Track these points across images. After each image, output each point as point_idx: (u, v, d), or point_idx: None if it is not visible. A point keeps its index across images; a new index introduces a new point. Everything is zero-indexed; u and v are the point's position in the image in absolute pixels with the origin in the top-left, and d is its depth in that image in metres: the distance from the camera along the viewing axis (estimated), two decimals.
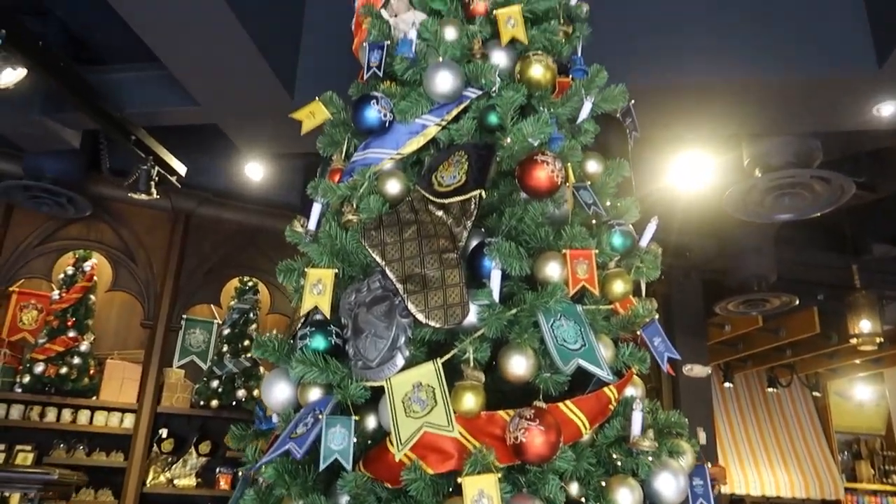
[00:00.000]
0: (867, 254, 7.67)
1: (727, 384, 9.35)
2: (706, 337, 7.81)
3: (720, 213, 5.55)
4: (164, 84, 4.40)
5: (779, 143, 4.62)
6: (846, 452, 10.00)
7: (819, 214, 5.13)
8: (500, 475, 1.40)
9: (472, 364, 1.54)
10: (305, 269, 1.80)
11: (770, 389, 9.63)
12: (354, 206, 1.88)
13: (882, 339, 6.85)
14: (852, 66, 3.63)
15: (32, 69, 3.73)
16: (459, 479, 1.41)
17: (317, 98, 2.25)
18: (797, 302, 6.70)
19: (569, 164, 1.91)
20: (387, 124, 1.97)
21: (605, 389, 1.65)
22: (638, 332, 1.84)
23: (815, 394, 10.07)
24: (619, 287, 1.79)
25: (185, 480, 5.51)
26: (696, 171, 5.23)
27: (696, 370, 7.15)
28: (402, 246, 1.70)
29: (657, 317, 1.85)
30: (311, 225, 1.96)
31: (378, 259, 1.69)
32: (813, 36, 3.66)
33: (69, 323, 5.48)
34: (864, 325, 6.75)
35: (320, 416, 1.52)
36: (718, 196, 5.20)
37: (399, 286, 1.63)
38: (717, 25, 3.75)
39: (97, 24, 4.65)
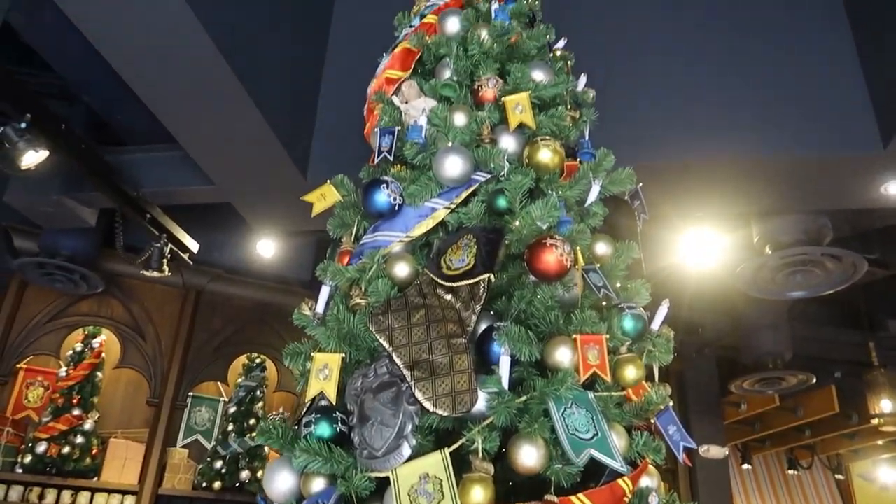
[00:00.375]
0: (883, 330, 7.55)
1: (746, 466, 9.02)
2: (722, 416, 7.60)
3: (732, 289, 5.51)
4: (181, 164, 4.51)
5: (788, 221, 4.63)
6: None
7: (832, 292, 5.08)
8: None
9: (480, 454, 1.49)
10: (312, 354, 1.77)
11: (791, 471, 9.27)
12: (363, 289, 1.87)
13: None
14: (858, 146, 3.67)
15: (54, 151, 3.83)
16: None
17: (328, 181, 2.29)
18: (814, 380, 6.55)
19: (578, 248, 1.90)
20: (396, 208, 1.99)
21: (620, 481, 1.59)
22: (652, 420, 1.79)
23: (838, 476, 9.68)
24: (631, 373, 1.76)
25: None
26: (707, 248, 5.23)
27: (713, 451, 6.92)
28: (409, 331, 1.68)
29: (671, 403, 1.80)
30: (319, 308, 1.95)
31: (385, 344, 1.67)
32: (818, 116, 3.73)
33: (74, 401, 5.42)
34: (885, 404, 6.55)
35: None
36: (729, 273, 5.18)
37: (406, 372, 1.60)
38: (724, 105, 3.83)
39: (120, 106, 4.81)
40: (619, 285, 2.09)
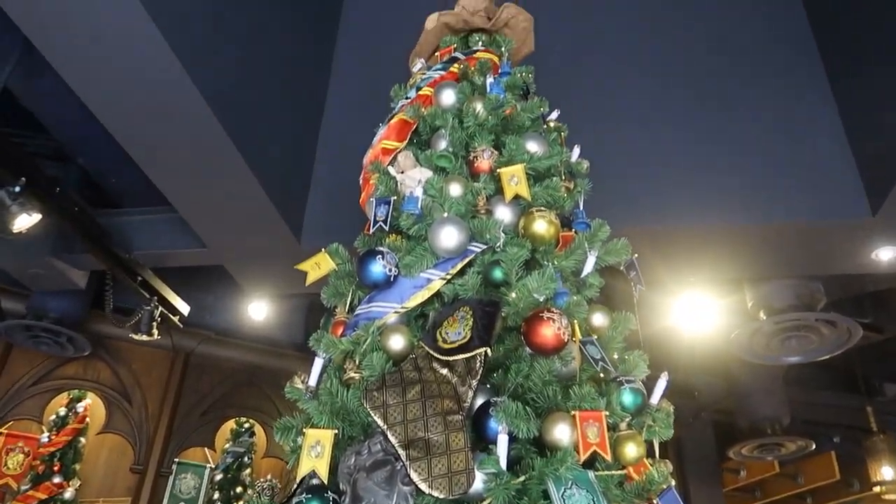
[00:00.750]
0: (880, 395, 7.49)
1: None
2: (721, 483, 7.45)
3: (726, 353, 5.48)
4: (173, 226, 4.51)
5: (781, 286, 4.64)
6: None
7: (827, 358, 5.06)
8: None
9: None
10: (304, 429, 1.72)
11: None
12: (357, 362, 1.83)
13: None
14: (847, 213, 3.71)
15: (47, 214, 3.83)
16: None
17: (322, 249, 2.27)
18: (814, 446, 6.44)
19: (575, 320, 1.88)
20: (392, 279, 1.97)
21: None
22: (654, 501, 1.73)
23: None
24: (632, 451, 1.71)
25: None
26: (700, 312, 5.22)
27: None
28: (405, 407, 1.64)
29: (673, 483, 1.75)
30: (312, 381, 1.90)
31: (380, 422, 1.62)
32: (807, 184, 3.78)
33: (55, 468, 5.26)
34: (886, 471, 6.44)
35: None
36: (723, 337, 5.16)
37: (401, 451, 1.55)
38: (714, 173, 3.89)
39: (114, 168, 4.84)
40: (616, 357, 2.06)
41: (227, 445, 5.96)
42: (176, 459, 5.88)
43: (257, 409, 6.22)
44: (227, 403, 6.24)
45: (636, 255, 2.22)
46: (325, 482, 1.66)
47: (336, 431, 1.72)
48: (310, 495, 1.62)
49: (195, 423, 6.07)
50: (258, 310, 5.68)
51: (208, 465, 5.99)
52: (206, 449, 6.09)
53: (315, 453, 1.68)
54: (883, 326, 5.71)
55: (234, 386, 6.34)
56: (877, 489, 6.53)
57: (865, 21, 3.74)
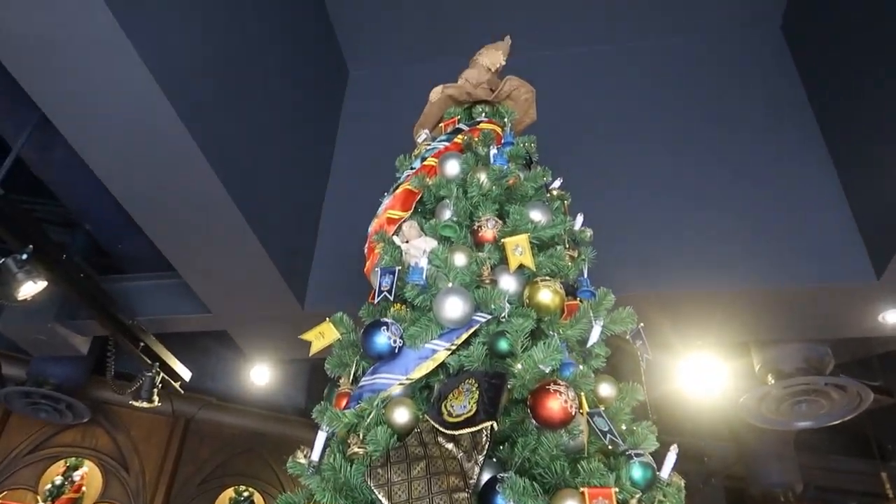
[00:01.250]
0: (894, 460, 7.31)
1: None
2: None
3: (735, 417, 5.38)
4: (178, 292, 4.52)
5: (788, 350, 4.60)
6: None
7: (837, 423, 4.97)
8: None
9: None
10: None
11: None
12: (361, 436, 1.80)
13: None
14: (852, 277, 3.71)
15: (52, 281, 3.84)
16: None
17: (327, 318, 2.27)
18: None
19: (582, 392, 1.86)
20: (396, 350, 1.96)
21: None
22: None
23: None
24: None
25: None
26: (708, 375, 5.16)
27: None
28: (410, 485, 1.60)
29: None
30: (315, 455, 1.87)
31: (384, 500, 1.58)
32: (811, 248, 3.80)
33: None
34: None
35: None
36: (732, 401, 5.08)
37: None
38: (718, 238, 3.91)
39: (120, 235, 4.89)
40: (625, 428, 2.02)
41: None
42: None
43: (257, 477, 6.08)
44: (226, 471, 6.11)
45: (642, 325, 2.20)
46: None
47: None
48: None
49: (193, 491, 5.93)
50: (260, 374, 5.62)
51: None
52: None
53: None
54: (893, 389, 5.62)
55: (234, 453, 6.23)
56: None
57: (859, 89, 3.83)
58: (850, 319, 4.13)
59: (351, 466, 1.76)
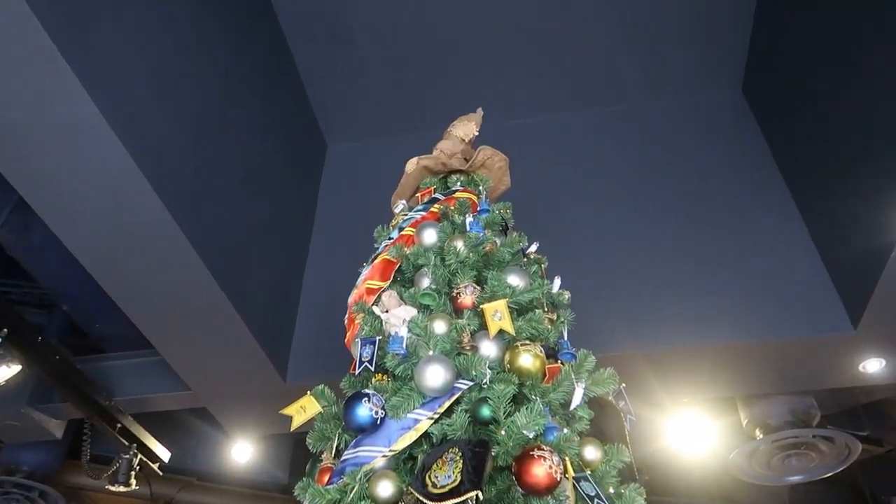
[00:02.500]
0: None
1: None
2: None
3: (726, 475, 5.32)
4: (156, 370, 4.45)
5: (774, 403, 4.61)
6: None
7: (829, 475, 4.93)
8: None
9: None
10: None
11: None
12: None
13: None
14: (830, 329, 3.77)
15: (28, 364, 3.77)
16: None
17: (308, 392, 2.25)
18: None
19: (567, 457, 1.84)
20: (378, 421, 1.94)
21: None
22: None
23: None
24: None
25: None
26: (697, 432, 5.13)
27: None
28: None
29: None
30: None
31: None
32: (788, 302, 3.86)
33: None
34: None
35: None
36: (722, 458, 5.04)
37: None
38: (698, 295, 3.98)
39: (98, 314, 4.84)
40: (612, 491, 2.00)
41: None
42: None
43: None
44: None
45: (623, 385, 2.21)
46: None
47: None
48: None
49: None
50: (242, 451, 5.47)
51: None
52: None
53: None
54: (882, 438, 5.61)
55: None
56: None
57: (819, 145, 3.98)
58: (831, 370, 4.17)
59: None
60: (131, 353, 4.72)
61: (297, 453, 6.26)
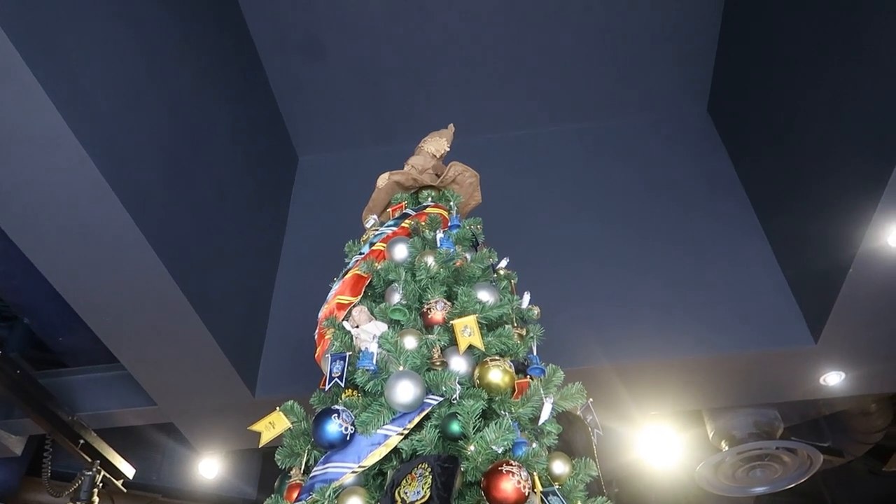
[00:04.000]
0: None
1: None
2: None
3: (694, 487, 5.39)
4: (121, 384, 4.38)
5: (739, 416, 4.69)
6: None
7: (793, 486, 5.03)
8: None
9: None
10: None
11: None
12: None
13: None
14: (790, 342, 3.86)
15: None
16: None
17: (277, 408, 2.23)
18: None
19: (535, 472, 1.87)
20: (348, 437, 1.94)
21: None
22: None
23: None
24: None
25: None
26: (665, 445, 5.20)
27: None
28: None
29: None
30: None
31: None
32: (749, 316, 3.95)
33: None
34: None
35: None
36: (689, 470, 5.11)
37: None
38: (666, 307, 4.04)
39: (61, 327, 4.73)
40: None
41: None
42: None
43: None
44: None
45: (591, 399, 2.24)
46: None
47: None
48: None
49: None
50: (209, 467, 5.40)
51: None
52: None
53: None
54: (843, 448, 5.74)
55: None
56: None
57: (781, 164, 4.09)
58: (794, 383, 4.26)
59: None
60: (95, 368, 4.62)
61: (265, 469, 6.18)
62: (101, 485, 4.53)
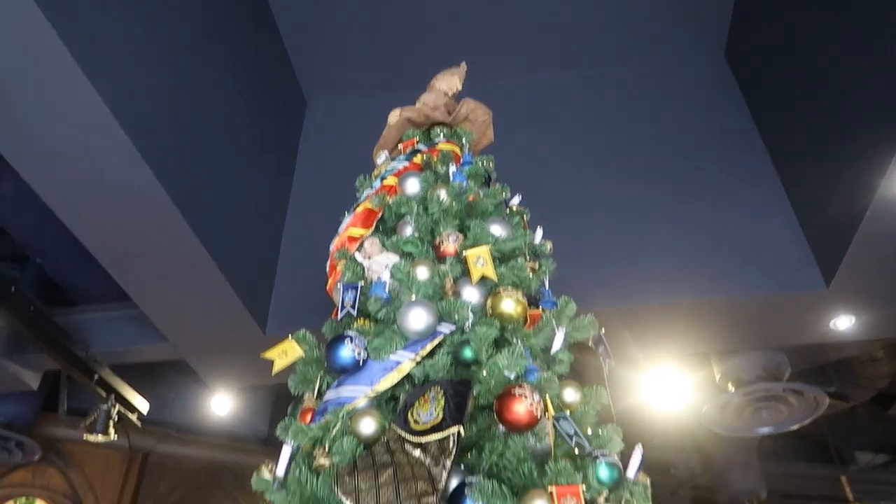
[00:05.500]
0: (853, 463, 7.50)
1: None
2: None
3: (699, 428, 5.47)
4: (133, 322, 4.42)
5: (747, 359, 4.72)
6: None
7: (797, 427, 5.09)
8: None
9: None
10: None
11: None
12: (327, 448, 1.79)
13: None
14: (802, 286, 3.85)
15: (1, 315, 3.72)
16: None
17: (289, 336, 2.25)
18: None
19: (547, 396, 1.88)
20: (361, 362, 1.95)
21: None
22: None
23: None
24: None
25: None
26: (671, 386, 5.25)
27: None
28: (377, 492, 1.59)
29: None
30: (280, 470, 1.84)
31: None
32: (762, 260, 3.93)
33: None
34: None
35: None
36: (695, 411, 5.17)
37: None
38: (675, 251, 4.02)
39: (73, 267, 4.76)
40: (590, 431, 2.05)
41: None
42: None
43: None
44: None
45: (603, 330, 2.25)
46: None
47: None
48: None
49: None
50: (222, 404, 5.49)
51: None
52: None
53: None
54: (848, 394, 5.80)
55: (194, 487, 6.04)
56: None
57: (799, 110, 4.01)
58: (803, 327, 4.27)
59: (317, 479, 1.74)
60: (108, 306, 4.68)
61: (277, 405, 6.30)
62: (116, 418, 4.63)
